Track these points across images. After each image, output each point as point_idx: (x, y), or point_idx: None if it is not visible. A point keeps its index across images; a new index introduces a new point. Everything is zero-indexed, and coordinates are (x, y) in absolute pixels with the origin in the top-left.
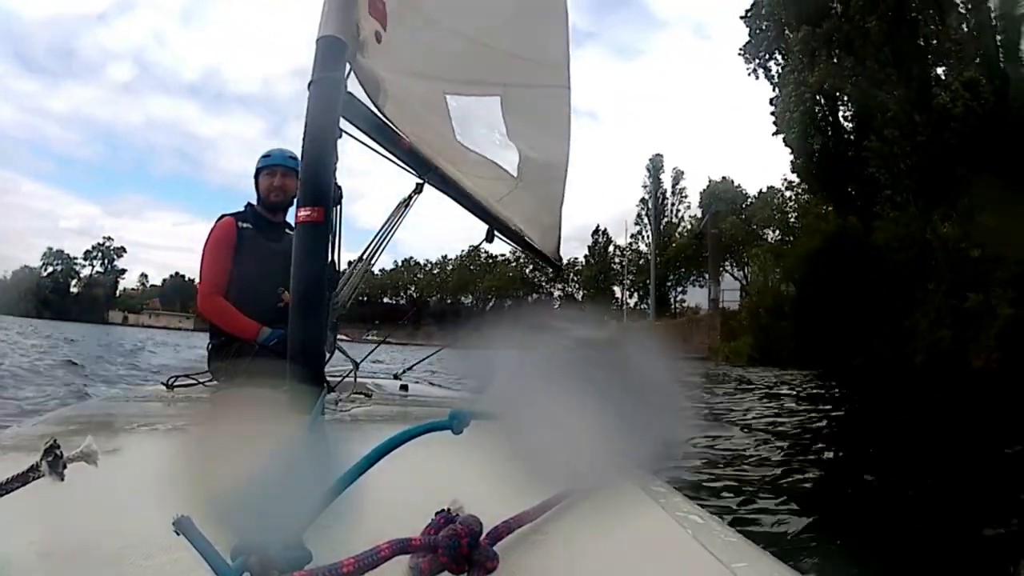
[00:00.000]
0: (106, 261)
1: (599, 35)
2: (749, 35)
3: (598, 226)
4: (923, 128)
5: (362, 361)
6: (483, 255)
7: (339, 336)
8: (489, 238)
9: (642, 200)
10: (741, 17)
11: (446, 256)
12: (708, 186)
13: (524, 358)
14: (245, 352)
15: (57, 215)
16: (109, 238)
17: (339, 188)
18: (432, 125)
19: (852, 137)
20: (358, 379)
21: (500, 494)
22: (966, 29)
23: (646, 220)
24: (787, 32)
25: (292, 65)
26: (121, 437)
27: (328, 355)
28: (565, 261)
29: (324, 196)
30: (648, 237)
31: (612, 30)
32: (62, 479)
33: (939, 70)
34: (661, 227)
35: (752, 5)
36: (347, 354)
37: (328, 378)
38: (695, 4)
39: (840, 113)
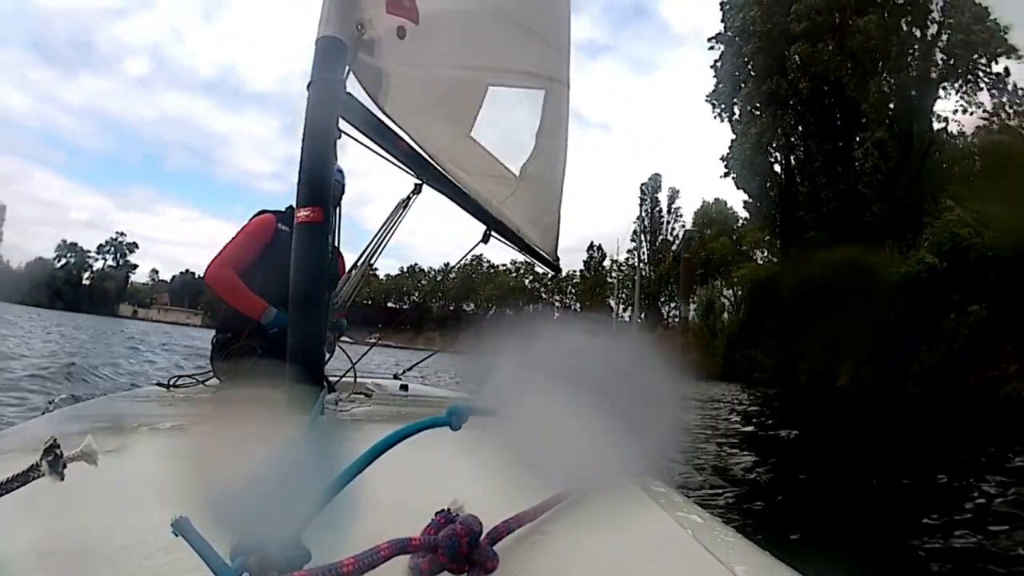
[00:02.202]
0: (118, 255)
1: (615, 48)
2: (716, 84)
3: (592, 242)
4: (843, 178)
5: (358, 360)
6: (485, 265)
7: (343, 338)
8: (485, 239)
9: (639, 217)
10: (711, 66)
11: (448, 263)
12: (701, 207)
13: (523, 358)
14: (248, 351)
15: (67, 206)
16: (122, 233)
17: (340, 188)
18: (442, 122)
19: (798, 180)
20: (358, 379)
21: (500, 494)
22: (886, 90)
23: (642, 237)
24: (742, 85)
25: (309, 65)
26: (121, 437)
27: (328, 355)
28: (565, 273)
29: (324, 196)
30: (644, 253)
31: (628, 43)
32: (62, 479)
33: (863, 124)
34: (656, 244)
35: (720, 56)
36: (347, 353)
37: (328, 378)
38: (712, 19)
39: (790, 160)
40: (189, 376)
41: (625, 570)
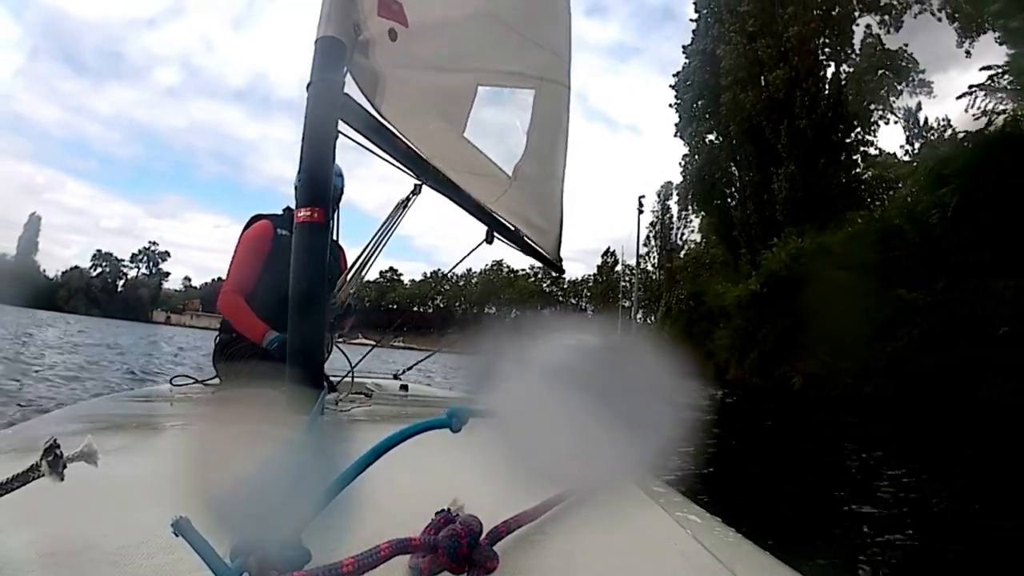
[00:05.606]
0: (151, 264)
1: (644, 50)
2: (678, 119)
3: (608, 248)
4: (768, 205)
5: (358, 363)
6: (504, 270)
7: (367, 341)
8: (489, 239)
9: (651, 224)
10: (670, 105)
11: (470, 269)
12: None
13: (524, 359)
14: (250, 352)
15: (98, 214)
16: (154, 242)
17: (339, 188)
18: (436, 123)
19: (734, 207)
20: (358, 379)
21: (500, 494)
22: (803, 128)
23: (653, 242)
24: (693, 123)
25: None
26: (121, 437)
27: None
28: (581, 276)
29: (324, 196)
30: (655, 258)
31: (656, 46)
32: (62, 479)
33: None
34: (667, 250)
35: (675, 96)
36: (345, 354)
37: (329, 377)
38: None
39: (730, 188)
40: (191, 376)
41: (625, 570)
